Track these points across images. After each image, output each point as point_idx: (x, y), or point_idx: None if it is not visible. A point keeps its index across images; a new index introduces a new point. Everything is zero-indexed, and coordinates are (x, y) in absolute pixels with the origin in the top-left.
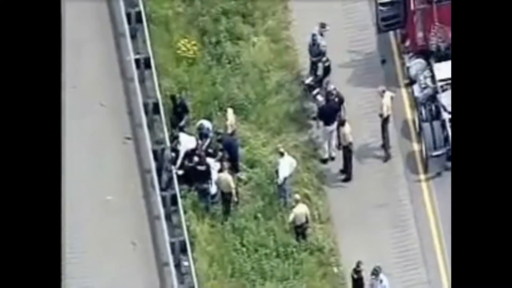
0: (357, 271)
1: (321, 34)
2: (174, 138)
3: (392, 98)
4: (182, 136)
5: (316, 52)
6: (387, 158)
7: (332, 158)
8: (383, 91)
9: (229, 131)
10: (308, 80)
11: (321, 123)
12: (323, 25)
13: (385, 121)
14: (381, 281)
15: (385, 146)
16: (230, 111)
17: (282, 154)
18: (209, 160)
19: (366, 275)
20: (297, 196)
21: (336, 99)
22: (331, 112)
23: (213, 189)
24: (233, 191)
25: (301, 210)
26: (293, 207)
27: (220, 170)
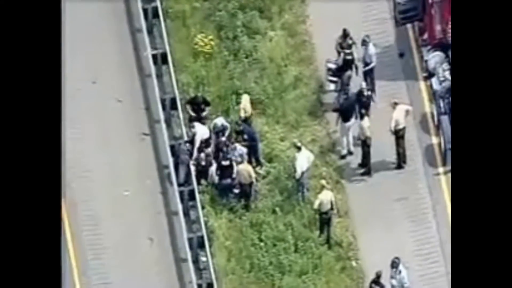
0: (376, 282)
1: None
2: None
3: (407, 112)
4: (198, 126)
5: (343, 45)
6: (399, 166)
7: (351, 153)
8: (395, 104)
9: (242, 115)
10: (331, 65)
11: (339, 118)
12: (367, 37)
13: (399, 137)
14: (400, 272)
15: (399, 161)
16: (245, 96)
17: (299, 149)
18: (237, 146)
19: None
20: (323, 182)
21: (356, 96)
22: (349, 108)
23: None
24: (254, 180)
25: (326, 196)
26: (319, 192)
27: (240, 162)
